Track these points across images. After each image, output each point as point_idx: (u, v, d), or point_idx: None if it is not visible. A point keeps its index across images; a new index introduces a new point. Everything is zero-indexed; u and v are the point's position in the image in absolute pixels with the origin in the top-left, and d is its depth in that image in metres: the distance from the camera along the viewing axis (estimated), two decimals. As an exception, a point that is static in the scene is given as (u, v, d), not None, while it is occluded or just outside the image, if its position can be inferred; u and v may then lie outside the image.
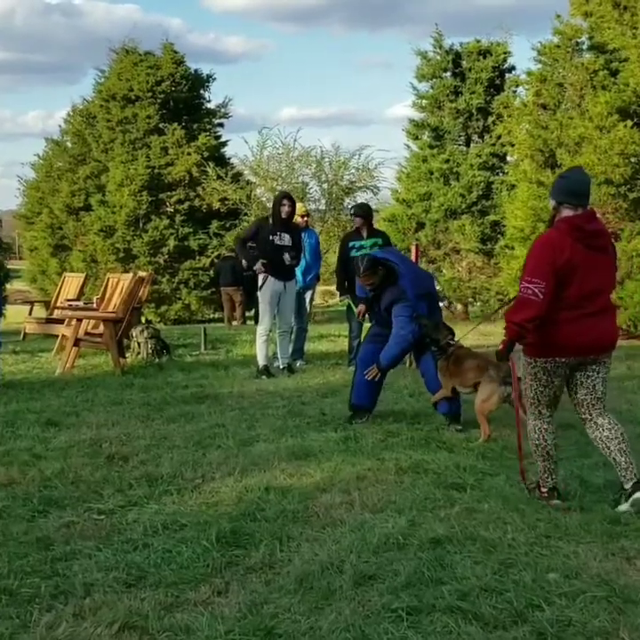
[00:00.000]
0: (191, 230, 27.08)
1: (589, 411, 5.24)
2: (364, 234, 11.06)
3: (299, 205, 12.30)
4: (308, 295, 12.09)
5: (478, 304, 22.14)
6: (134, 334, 12.06)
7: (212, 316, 28.15)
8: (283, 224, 10.41)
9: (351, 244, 11.12)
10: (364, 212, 11.25)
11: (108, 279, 13.64)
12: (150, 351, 12.00)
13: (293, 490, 5.55)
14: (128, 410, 8.23)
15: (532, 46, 17.70)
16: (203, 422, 7.66)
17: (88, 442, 6.90)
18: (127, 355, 11.66)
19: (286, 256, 10.35)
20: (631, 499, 5.02)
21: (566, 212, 5.06)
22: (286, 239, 10.43)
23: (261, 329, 10.53)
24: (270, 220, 10.54)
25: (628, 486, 5.08)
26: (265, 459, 6.32)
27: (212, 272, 26.50)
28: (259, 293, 10.56)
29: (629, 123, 15.02)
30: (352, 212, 11.13)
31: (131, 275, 12.41)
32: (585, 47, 17.10)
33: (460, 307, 22.32)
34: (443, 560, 4.34)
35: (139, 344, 12.04)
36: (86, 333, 11.26)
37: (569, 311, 5.04)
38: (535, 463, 5.46)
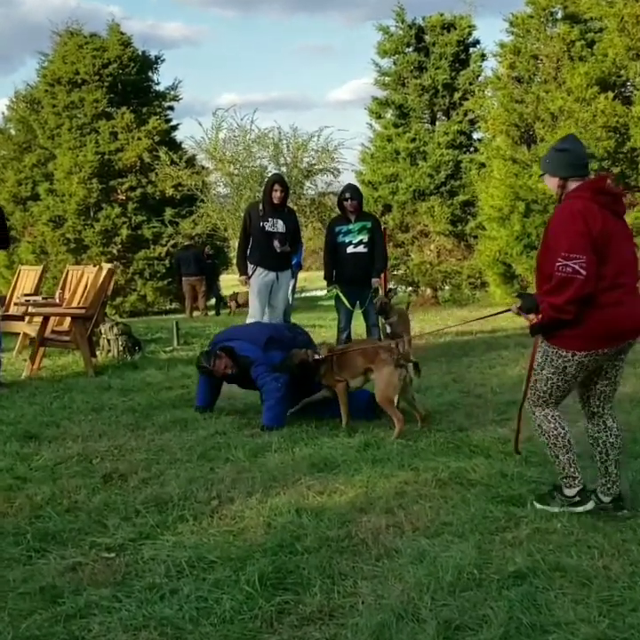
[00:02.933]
0: (145, 218, 26.18)
1: (603, 405, 4.77)
2: (353, 218, 10.30)
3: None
4: (289, 285, 11.18)
5: (447, 288, 21.49)
6: (103, 331, 11.18)
7: (168, 306, 27.28)
8: (274, 209, 9.63)
9: (337, 228, 10.38)
10: (359, 194, 10.49)
11: (68, 272, 12.73)
12: (121, 349, 11.14)
13: (327, 511, 4.83)
14: (113, 417, 7.41)
15: (503, 17, 17.05)
16: (200, 430, 6.88)
17: (76, 458, 6.08)
18: (96, 353, 10.76)
19: (276, 243, 9.56)
20: (614, 514, 4.69)
21: (575, 185, 4.63)
22: (279, 225, 9.66)
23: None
24: (260, 206, 9.75)
25: (606, 499, 4.76)
26: (283, 473, 5.58)
27: (167, 262, 25.66)
28: (247, 284, 9.78)
29: (611, 94, 14.49)
30: (347, 195, 10.30)
31: (95, 267, 11.49)
32: (559, 17, 16.48)
33: (428, 291, 21.65)
34: (534, 599, 3.66)
35: (109, 341, 11.17)
36: (51, 331, 10.35)
37: (610, 292, 4.46)
38: (552, 462, 4.85)
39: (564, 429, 4.68)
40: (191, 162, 25.51)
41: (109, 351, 11.13)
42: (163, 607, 3.69)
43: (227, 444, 6.39)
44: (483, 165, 19.01)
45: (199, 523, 4.73)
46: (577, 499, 4.68)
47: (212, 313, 22.13)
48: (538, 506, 4.73)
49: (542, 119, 15.78)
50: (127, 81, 26.97)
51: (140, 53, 27.69)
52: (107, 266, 11.20)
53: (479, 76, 21.56)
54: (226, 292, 24.23)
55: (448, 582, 3.80)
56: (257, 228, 9.60)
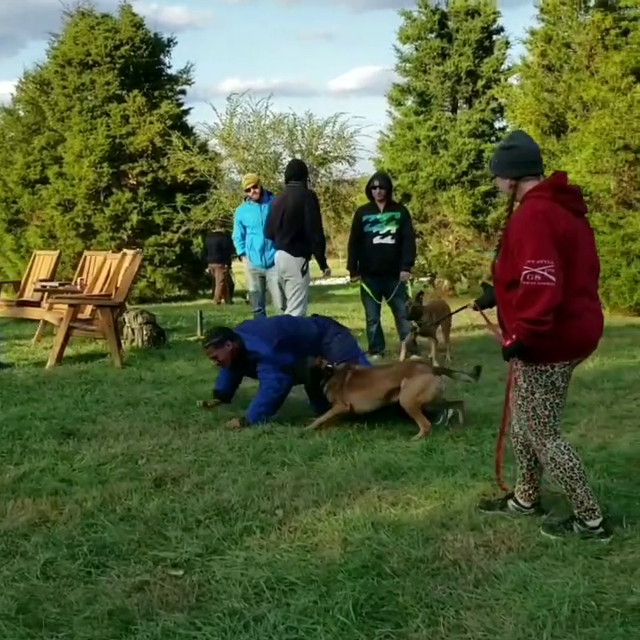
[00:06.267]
0: (155, 204, 25.60)
1: None
2: (381, 207, 9.92)
3: (248, 175, 11.28)
4: (274, 276, 10.49)
5: (465, 280, 21.09)
6: (127, 320, 10.81)
7: (178, 293, 26.85)
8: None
9: (365, 218, 10.01)
10: (388, 183, 10.10)
11: (86, 257, 12.34)
12: (146, 338, 10.76)
13: (405, 526, 4.45)
14: (151, 413, 7.02)
15: (534, 4, 16.60)
16: (246, 429, 6.48)
17: (120, 458, 5.70)
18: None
19: None
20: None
21: (531, 185, 4.26)
22: None
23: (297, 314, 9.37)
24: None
25: (526, 505, 4.65)
26: (347, 479, 5.19)
27: (178, 248, 25.28)
28: (302, 278, 9.44)
29: (648, 84, 14.04)
30: (376, 183, 9.92)
31: (119, 253, 11.10)
32: (591, 4, 16.03)
33: (446, 282, 21.23)
34: (664, 637, 3.25)
35: (133, 331, 10.81)
36: (74, 319, 9.95)
37: (580, 298, 4.16)
38: (566, 496, 4.38)
39: (578, 460, 4.27)
40: (204, 147, 25.02)
41: (133, 341, 10.77)
42: (248, 638, 3.31)
43: (279, 445, 6.01)
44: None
45: (267, 536, 4.35)
46: (601, 530, 4.23)
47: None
48: (553, 537, 4.25)
49: (573, 109, 15.35)
50: (139, 63, 26.38)
51: (152, 36, 27.12)
52: (131, 252, 10.80)
53: (502, 63, 21.10)
54: (242, 280, 23.84)
55: (565, 615, 3.41)
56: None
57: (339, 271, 37.30)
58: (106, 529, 4.42)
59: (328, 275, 10.52)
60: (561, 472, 4.26)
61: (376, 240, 9.82)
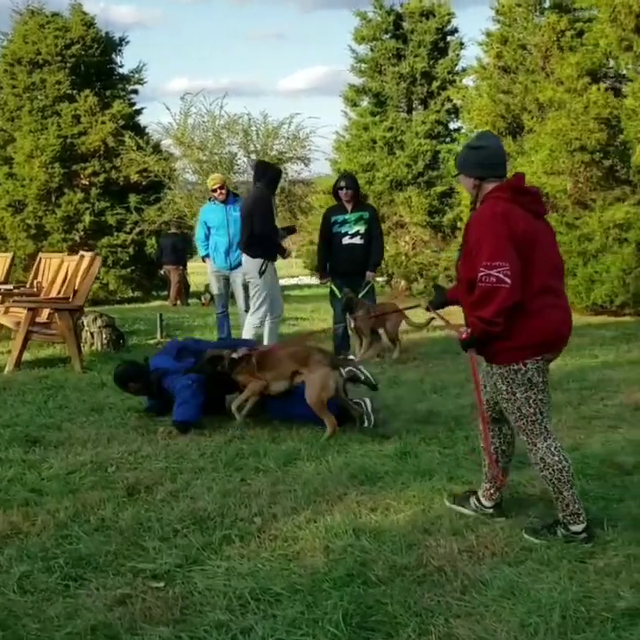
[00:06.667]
0: (108, 205, 25.29)
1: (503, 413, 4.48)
2: (349, 208, 9.88)
3: (214, 176, 11.16)
4: (238, 278, 10.50)
5: (422, 280, 21.11)
6: (86, 323, 10.62)
7: (131, 295, 26.57)
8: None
9: (333, 218, 9.97)
10: (354, 183, 10.05)
11: (41, 260, 12.12)
12: (105, 342, 10.60)
13: (386, 532, 4.40)
14: (117, 419, 6.91)
15: (490, 5, 16.68)
16: (216, 434, 6.41)
17: (89, 466, 5.58)
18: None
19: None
20: (492, 520, 4.53)
21: (493, 186, 4.31)
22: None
23: (256, 319, 9.23)
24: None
25: (488, 504, 4.63)
26: (324, 485, 5.13)
27: (131, 249, 25.03)
28: (260, 280, 9.25)
29: (602, 86, 14.18)
30: (342, 184, 9.88)
31: (77, 255, 10.91)
32: (546, 6, 16.16)
33: (403, 283, 21.25)
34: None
35: (92, 334, 10.62)
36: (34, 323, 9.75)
37: (542, 296, 4.18)
38: (553, 498, 4.35)
39: (568, 463, 4.26)
40: (157, 147, 24.78)
41: (93, 344, 10.58)
42: (237, 652, 3.23)
43: (251, 450, 5.93)
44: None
45: (247, 545, 4.27)
46: (584, 535, 4.20)
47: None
48: (536, 541, 4.24)
49: (529, 110, 15.44)
50: (90, 63, 26.05)
51: (104, 35, 26.80)
52: (88, 254, 10.64)
53: (457, 64, 21.19)
54: (196, 280, 23.66)
55: (555, 622, 3.38)
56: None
57: (291, 271, 37.29)
58: (81, 540, 4.31)
59: (287, 255, 10.17)
60: (550, 473, 4.24)
61: (345, 240, 9.79)
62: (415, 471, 5.38)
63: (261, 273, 9.16)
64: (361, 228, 9.84)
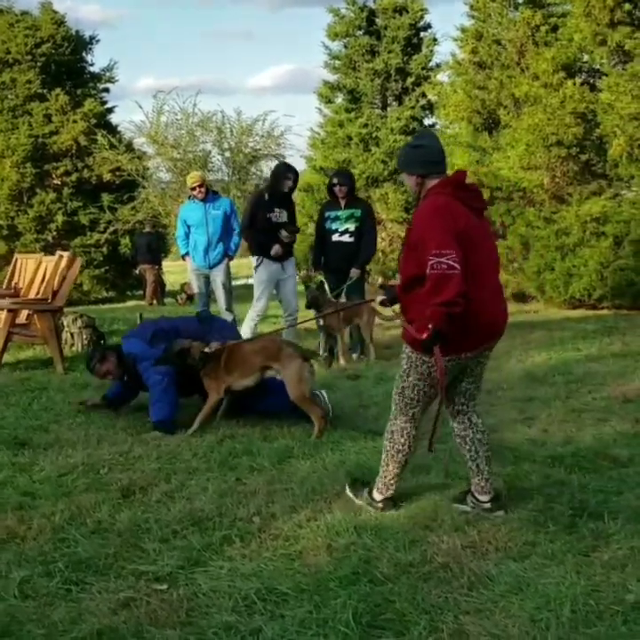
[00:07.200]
0: (81, 204, 25.12)
1: (468, 402, 4.67)
2: (342, 204, 9.84)
3: (193, 174, 11.02)
4: (217, 277, 10.53)
5: (399, 277, 21.11)
6: (66, 323, 10.52)
7: (105, 295, 26.38)
8: (282, 199, 9.40)
9: (327, 214, 9.96)
10: (348, 179, 9.99)
11: (17, 260, 11.97)
12: (86, 342, 10.50)
13: (388, 529, 4.37)
14: (104, 419, 6.84)
15: (464, 1, 16.68)
16: (206, 433, 6.35)
17: (81, 468, 5.50)
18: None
19: (283, 232, 9.22)
20: (492, 515, 4.54)
21: (434, 182, 4.45)
22: (284, 216, 9.39)
23: (253, 313, 9.33)
24: (266, 196, 9.41)
25: (483, 499, 4.63)
26: (321, 483, 5.10)
27: (105, 249, 24.89)
28: (255, 275, 9.33)
29: (578, 80, 14.25)
30: (335, 181, 9.84)
31: (55, 256, 10.80)
32: (520, 1, 16.20)
33: (380, 279, 21.24)
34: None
35: (72, 335, 10.53)
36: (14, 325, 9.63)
37: (474, 292, 4.22)
38: (381, 465, 4.75)
39: (410, 450, 4.65)
40: (130, 146, 24.63)
41: (73, 345, 10.49)
42: (248, 654, 3.19)
43: (244, 449, 5.87)
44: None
45: (248, 545, 4.22)
46: (381, 505, 4.68)
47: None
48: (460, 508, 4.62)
49: (505, 105, 15.48)
50: (61, 61, 25.84)
51: (74, 33, 26.58)
52: (66, 254, 10.54)
53: (431, 60, 21.22)
54: (171, 279, 23.54)
55: (566, 617, 3.37)
56: (264, 219, 9.38)
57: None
58: (79, 543, 4.24)
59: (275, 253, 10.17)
60: (390, 446, 4.65)
61: (335, 237, 9.75)
62: (411, 467, 5.33)
63: (255, 268, 9.29)
64: (351, 226, 9.77)
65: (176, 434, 6.32)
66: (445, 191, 4.34)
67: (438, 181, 4.41)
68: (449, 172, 4.56)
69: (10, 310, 9.05)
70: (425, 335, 4.19)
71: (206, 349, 6.54)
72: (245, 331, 9.27)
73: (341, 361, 9.39)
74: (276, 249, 9.31)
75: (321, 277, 9.98)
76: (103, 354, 7.04)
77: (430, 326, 4.15)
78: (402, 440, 4.60)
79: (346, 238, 9.72)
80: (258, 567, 3.94)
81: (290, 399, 6.43)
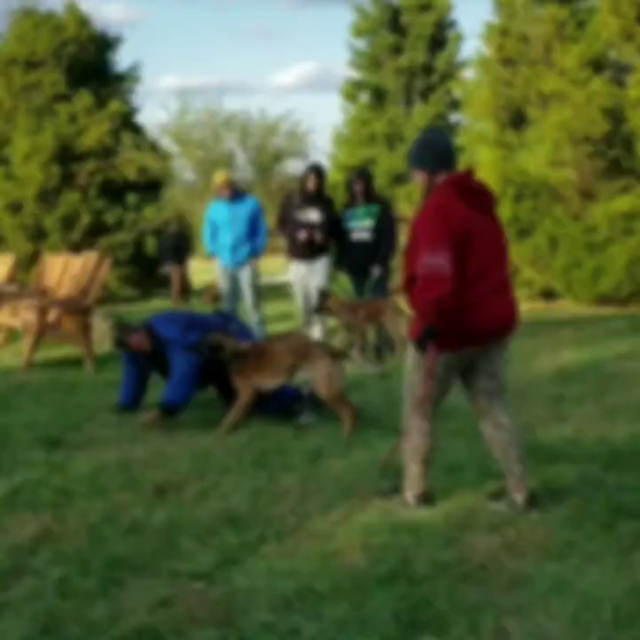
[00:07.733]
0: (106, 204, 25.22)
1: (490, 402, 4.63)
2: (360, 201, 9.83)
3: (220, 173, 10.96)
4: (244, 276, 10.47)
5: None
6: (95, 323, 10.54)
7: (131, 294, 26.48)
8: (312, 199, 9.50)
9: (347, 212, 9.97)
10: (365, 177, 9.99)
11: (45, 260, 12.04)
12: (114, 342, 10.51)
13: (423, 528, 4.36)
14: (136, 418, 6.83)
15: (489, -3, 16.60)
16: (239, 432, 6.35)
17: (114, 466, 5.52)
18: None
19: (302, 232, 9.32)
20: (528, 514, 4.50)
21: (442, 179, 4.50)
22: (314, 215, 9.57)
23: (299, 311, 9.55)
24: (295, 196, 9.69)
25: (518, 499, 4.59)
26: (353, 482, 5.10)
27: (131, 248, 25.00)
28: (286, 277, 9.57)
29: (606, 76, 14.13)
30: (352, 178, 9.91)
31: (81, 256, 10.87)
32: (546, -3, 16.11)
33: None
34: None
35: (101, 334, 10.54)
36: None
37: (471, 290, 4.31)
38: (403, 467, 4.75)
39: (428, 446, 4.65)
40: (155, 146, 24.73)
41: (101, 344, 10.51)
42: (294, 652, 3.19)
43: (276, 448, 5.88)
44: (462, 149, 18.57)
45: (283, 543, 4.22)
46: (413, 501, 4.69)
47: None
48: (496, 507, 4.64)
49: (532, 102, 15.40)
50: (86, 62, 26.01)
51: (99, 33, 26.70)
52: (93, 253, 10.63)
53: (456, 57, 21.14)
54: (197, 279, 23.58)
55: (608, 617, 3.34)
56: (291, 219, 9.59)
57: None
58: (115, 542, 4.26)
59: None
60: (412, 447, 4.65)
61: (354, 235, 9.74)
62: (444, 466, 5.31)
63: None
64: (368, 223, 9.76)
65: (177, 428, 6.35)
66: (448, 189, 4.39)
67: (444, 179, 4.45)
68: (470, 169, 4.62)
69: (41, 310, 9.09)
70: (416, 333, 4.33)
71: (240, 346, 6.54)
72: (314, 333, 9.58)
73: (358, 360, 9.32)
74: (302, 236, 9.45)
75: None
76: (135, 327, 7.05)
77: (420, 325, 4.30)
78: (420, 440, 4.62)
79: (365, 235, 9.70)
80: (294, 566, 3.94)
81: (284, 402, 6.68)
